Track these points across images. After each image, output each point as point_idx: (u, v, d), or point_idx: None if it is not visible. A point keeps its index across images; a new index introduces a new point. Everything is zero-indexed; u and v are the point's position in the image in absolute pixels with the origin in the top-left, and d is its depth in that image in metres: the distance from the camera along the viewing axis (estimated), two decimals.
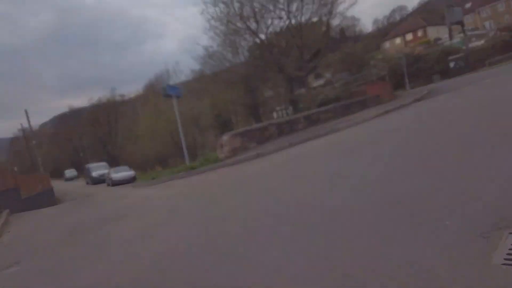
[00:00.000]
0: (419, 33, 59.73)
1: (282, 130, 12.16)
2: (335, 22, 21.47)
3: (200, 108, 39.89)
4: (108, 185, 29.07)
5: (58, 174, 70.82)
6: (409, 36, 60.63)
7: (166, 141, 40.41)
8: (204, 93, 38.53)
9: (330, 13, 20.77)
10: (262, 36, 22.08)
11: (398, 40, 61.01)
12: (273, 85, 23.37)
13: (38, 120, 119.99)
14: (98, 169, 35.75)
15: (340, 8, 20.19)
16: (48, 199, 19.77)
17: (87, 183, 36.57)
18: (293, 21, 20.28)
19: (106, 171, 34.80)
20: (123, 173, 28.63)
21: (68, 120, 73.14)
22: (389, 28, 76.85)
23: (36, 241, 7.29)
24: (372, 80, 20.14)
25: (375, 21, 74.17)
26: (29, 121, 37.98)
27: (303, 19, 19.99)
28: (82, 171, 51.43)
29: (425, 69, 26.87)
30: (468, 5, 59.31)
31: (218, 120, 32.94)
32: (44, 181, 21.61)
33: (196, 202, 6.84)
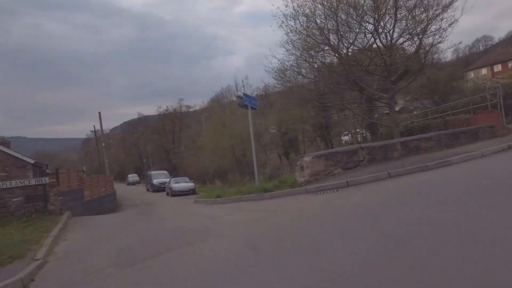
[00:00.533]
0: (510, 65, 54.38)
1: (374, 156, 10.29)
2: (428, 41, 19.10)
3: (264, 124, 38.82)
4: (168, 194, 28.64)
5: (121, 177, 73.60)
6: (498, 67, 55.42)
7: (227, 155, 39.71)
8: (270, 109, 37.46)
9: (424, 31, 18.60)
10: (343, 51, 20.37)
11: (484, 71, 56.04)
12: (348, 106, 21.47)
13: (110, 124, 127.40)
14: (159, 177, 35.80)
15: (436, 27, 17.95)
16: (110, 203, 19.39)
17: (147, 190, 36.74)
18: (382, 38, 18.40)
19: (166, 179, 34.68)
20: (183, 184, 28.08)
21: (136, 126, 76.13)
22: (470, 58, 71.46)
23: (89, 261, 6.15)
24: (484, 108, 17.34)
25: (456, 50, 69.11)
26: (101, 123, 39.37)
27: (394, 35, 18.05)
28: (144, 177, 52.54)
29: None
30: None
31: (283, 139, 31.48)
32: (108, 184, 21.41)
33: (283, 239, 5.26)
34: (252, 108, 12.97)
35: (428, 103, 31.29)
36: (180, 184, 27.95)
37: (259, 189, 10.40)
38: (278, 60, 23.14)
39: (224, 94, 66.51)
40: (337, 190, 8.51)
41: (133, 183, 54.66)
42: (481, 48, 77.79)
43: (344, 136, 32.58)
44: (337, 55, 20.61)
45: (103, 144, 39.89)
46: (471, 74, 53.45)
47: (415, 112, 29.96)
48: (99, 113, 39.09)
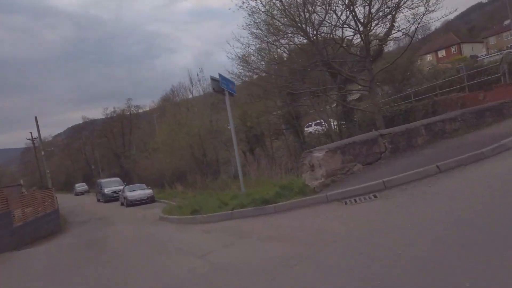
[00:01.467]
0: (453, 50, 55.60)
1: (397, 145, 7.89)
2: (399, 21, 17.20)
3: (223, 120, 35.79)
4: (122, 204, 24.94)
5: (69, 187, 67.12)
6: (442, 53, 56.49)
7: (185, 155, 36.31)
8: (231, 103, 34.68)
9: (397, 8, 16.60)
10: (312, 33, 17.94)
11: (429, 57, 56.90)
12: (323, 92, 19.24)
13: (52, 131, 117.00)
14: (110, 185, 31.62)
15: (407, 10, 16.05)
16: (50, 223, 15.61)
17: (98, 200, 32.44)
18: (358, 13, 16.22)
19: (119, 187, 30.68)
20: (139, 191, 24.48)
21: (81, 131, 69.78)
22: (411, 46, 72.77)
23: None
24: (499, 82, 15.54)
25: (397, 39, 70.17)
26: (38, 129, 34.30)
27: (373, 10, 15.96)
28: (93, 186, 47.60)
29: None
30: (507, 22, 55.24)
31: (247, 134, 28.79)
32: (47, 199, 17.52)
33: None
34: (230, 93, 10.14)
35: (389, 88, 30.04)
36: (136, 192, 24.32)
37: (256, 199, 7.56)
38: (242, 44, 20.27)
39: (176, 92, 62.41)
40: (375, 197, 5.95)
41: (82, 193, 49.39)
42: (419, 36, 79.97)
43: (307, 127, 30.53)
44: (305, 37, 18.22)
45: (43, 153, 34.89)
46: (418, 61, 54.12)
47: (384, 98, 28.54)
48: (35, 117, 34.10)
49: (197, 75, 37.99)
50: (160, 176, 41.86)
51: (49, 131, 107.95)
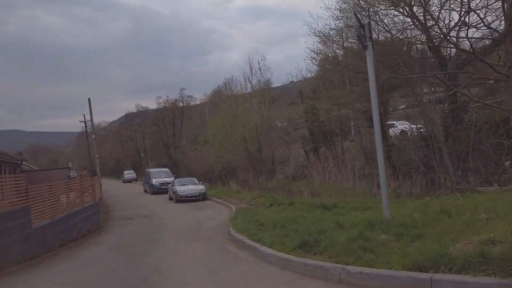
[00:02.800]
0: None
1: None
2: None
3: (292, 114, 31.87)
4: (171, 199, 21.85)
5: (117, 173, 66.52)
6: None
7: (238, 150, 32.90)
8: (296, 99, 30.50)
9: None
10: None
11: None
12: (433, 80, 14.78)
13: (108, 118, 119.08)
14: (159, 175, 28.78)
15: None
16: (87, 220, 12.48)
17: (145, 191, 29.77)
18: None
19: (168, 179, 27.76)
20: (191, 187, 21.17)
21: (134, 119, 68.92)
22: None
23: None
24: None
25: None
26: (91, 111, 32.27)
27: None
28: (141, 174, 45.68)
29: None
30: None
31: (313, 131, 24.68)
32: (89, 189, 14.46)
33: None
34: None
35: None
36: (187, 187, 21.05)
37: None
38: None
39: (228, 85, 59.61)
40: None
41: (129, 181, 47.66)
42: None
43: (389, 127, 25.83)
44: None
45: (93, 136, 32.87)
46: None
47: None
48: (89, 99, 32.07)
49: (258, 63, 34.36)
50: (208, 170, 38.80)
51: (105, 118, 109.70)
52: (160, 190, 26.74)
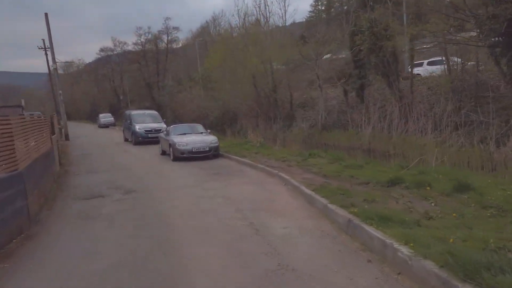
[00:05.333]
0: None
1: None
2: None
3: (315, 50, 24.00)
4: (164, 153, 14.59)
5: (93, 117, 57.53)
6: None
7: (244, 91, 25.34)
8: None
9: None
10: None
11: None
12: None
13: (84, 59, 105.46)
14: (144, 119, 20.97)
15: None
16: (15, 198, 5.17)
17: (126, 140, 22.15)
18: None
19: (156, 125, 20.13)
20: (195, 137, 13.75)
21: (111, 56, 58.72)
22: None
23: None
24: None
25: None
26: (49, 30, 23.27)
27: None
28: (121, 118, 37.62)
29: None
30: None
31: (355, 64, 17.31)
32: (37, 137, 7.13)
33: None
34: None
35: None
36: (190, 137, 13.57)
37: None
38: None
39: (218, 20, 50.01)
40: None
41: (106, 125, 39.50)
42: None
43: (418, 67, 18.93)
44: None
45: (55, 66, 24.14)
46: None
47: None
48: (46, 14, 22.90)
49: None
50: (200, 116, 30.96)
51: (80, 58, 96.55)
52: (146, 139, 19.28)
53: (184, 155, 12.81)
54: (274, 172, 9.07)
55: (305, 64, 21.67)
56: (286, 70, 23.70)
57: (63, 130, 24.03)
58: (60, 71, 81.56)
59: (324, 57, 20.96)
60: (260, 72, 23.94)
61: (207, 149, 12.97)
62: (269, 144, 16.01)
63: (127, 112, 22.92)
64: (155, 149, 16.39)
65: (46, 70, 34.16)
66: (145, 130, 19.53)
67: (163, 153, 14.83)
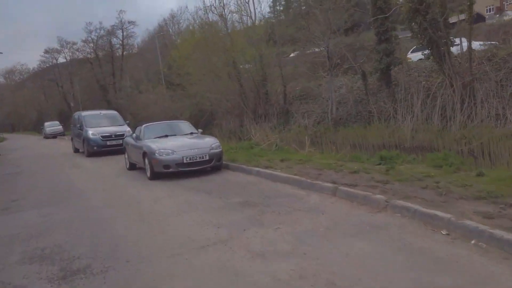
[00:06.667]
0: None
1: None
2: None
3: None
4: (133, 167, 9.48)
5: (40, 127, 49.76)
6: None
7: (223, 84, 20.50)
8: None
9: None
10: None
11: None
12: None
13: (28, 65, 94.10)
14: (99, 122, 15.20)
15: None
16: None
17: (76, 151, 16.35)
18: None
19: (117, 129, 14.72)
20: (181, 139, 8.86)
21: (58, 58, 51.09)
22: None
23: None
24: None
25: None
26: None
27: None
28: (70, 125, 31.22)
29: None
30: None
31: (385, 34, 13.21)
32: None
33: None
34: None
35: None
36: (177, 141, 8.54)
37: None
38: None
39: (177, 18, 44.38)
40: None
41: (54, 135, 32.72)
42: None
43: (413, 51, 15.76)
44: None
45: None
46: None
47: None
48: None
49: None
50: (167, 119, 25.74)
51: (23, 63, 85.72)
52: (104, 148, 13.87)
53: (170, 170, 7.83)
54: (378, 199, 4.44)
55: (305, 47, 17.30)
56: (276, 56, 19.15)
57: None
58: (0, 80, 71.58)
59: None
60: (246, 60, 19.30)
61: (207, 157, 8.06)
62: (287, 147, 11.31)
63: (76, 114, 17.16)
64: (118, 162, 11.16)
65: None
66: (102, 136, 14.08)
67: (132, 167, 9.68)
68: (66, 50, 45.24)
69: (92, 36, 39.33)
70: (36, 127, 52.42)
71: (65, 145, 21.31)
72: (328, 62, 14.82)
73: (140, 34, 57.00)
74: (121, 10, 43.21)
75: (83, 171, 10.64)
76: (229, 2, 19.75)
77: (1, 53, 19.97)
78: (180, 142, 8.55)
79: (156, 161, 7.89)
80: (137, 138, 9.35)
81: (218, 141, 8.72)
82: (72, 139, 17.19)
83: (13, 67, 64.47)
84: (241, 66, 19.53)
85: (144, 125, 9.84)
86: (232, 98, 20.77)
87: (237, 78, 19.50)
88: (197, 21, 22.01)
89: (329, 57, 14.55)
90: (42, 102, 56.99)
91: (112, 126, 14.88)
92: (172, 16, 43.85)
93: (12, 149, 21.22)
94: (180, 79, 24.80)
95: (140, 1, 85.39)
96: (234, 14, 19.29)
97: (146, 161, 8.26)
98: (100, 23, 41.20)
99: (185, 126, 10.10)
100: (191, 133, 9.50)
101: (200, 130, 10.11)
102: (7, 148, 21.61)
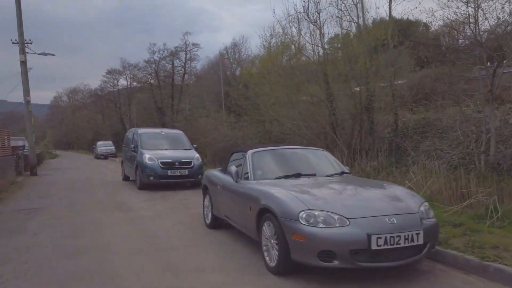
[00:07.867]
0: None
1: None
2: None
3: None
4: (215, 221, 5.04)
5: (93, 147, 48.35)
6: None
7: (312, 110, 15.98)
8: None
9: None
10: None
11: None
12: None
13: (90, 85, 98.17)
14: (158, 143, 11.43)
15: None
16: None
17: (126, 178, 12.49)
18: None
19: (184, 155, 10.65)
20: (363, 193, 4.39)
21: (119, 79, 50.32)
22: None
23: None
24: None
25: None
26: (19, 13, 14.55)
27: None
28: (122, 146, 28.35)
29: None
30: None
31: None
32: None
33: None
34: None
35: None
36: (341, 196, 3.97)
37: None
38: None
39: (238, 47, 41.70)
40: None
41: (105, 156, 30.03)
42: None
43: None
44: None
45: (23, 58, 15.08)
46: None
47: None
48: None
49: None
50: (227, 147, 21.45)
51: (86, 84, 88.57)
52: (165, 179, 9.75)
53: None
54: None
55: None
56: (386, 69, 14.49)
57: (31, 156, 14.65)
58: (64, 98, 73.47)
59: None
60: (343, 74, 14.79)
61: (417, 240, 3.38)
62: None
63: (131, 131, 13.31)
64: (187, 205, 6.79)
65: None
66: (162, 163, 9.97)
67: (216, 221, 5.24)
68: (128, 72, 43.88)
69: (155, 57, 37.39)
70: (90, 147, 51.30)
71: (114, 168, 17.77)
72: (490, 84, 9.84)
73: (201, 59, 55.54)
74: (186, 32, 41.44)
75: (131, 220, 6.35)
76: (328, 7, 15.53)
77: (54, 54, 16.91)
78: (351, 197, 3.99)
79: (301, 237, 3.36)
80: (233, 173, 4.91)
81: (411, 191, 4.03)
82: (122, 163, 13.34)
83: (76, 87, 65.72)
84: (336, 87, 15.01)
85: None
86: (315, 126, 16.10)
87: (328, 99, 14.95)
88: (276, 37, 18.07)
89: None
90: (99, 122, 56.38)
91: (176, 149, 10.81)
92: (234, 44, 41.35)
93: (55, 168, 18.12)
94: (247, 102, 20.67)
95: (201, 37, 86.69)
96: (331, 22, 15.03)
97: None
98: (164, 44, 39.39)
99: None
100: (341, 173, 4.92)
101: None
102: (51, 167, 18.63)
